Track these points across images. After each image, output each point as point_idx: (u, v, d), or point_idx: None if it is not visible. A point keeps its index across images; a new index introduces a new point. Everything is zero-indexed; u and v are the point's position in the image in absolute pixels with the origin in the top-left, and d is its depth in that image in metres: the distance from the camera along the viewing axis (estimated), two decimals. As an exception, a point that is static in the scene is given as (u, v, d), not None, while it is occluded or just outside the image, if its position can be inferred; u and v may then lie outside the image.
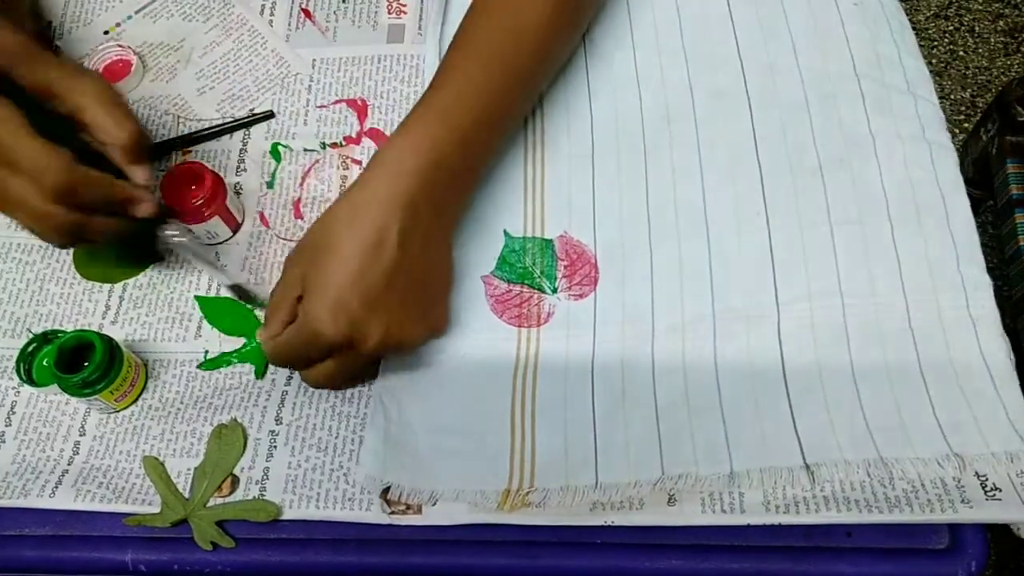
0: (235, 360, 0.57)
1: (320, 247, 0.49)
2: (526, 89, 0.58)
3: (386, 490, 0.51)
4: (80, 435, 0.55)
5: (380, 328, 0.49)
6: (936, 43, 1.53)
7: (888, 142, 0.60)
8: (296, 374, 0.55)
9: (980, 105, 1.44)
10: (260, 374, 0.56)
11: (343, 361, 0.51)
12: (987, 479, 0.49)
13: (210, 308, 0.59)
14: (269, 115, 0.67)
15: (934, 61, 1.51)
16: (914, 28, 0.67)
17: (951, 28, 1.55)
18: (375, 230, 0.49)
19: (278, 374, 0.56)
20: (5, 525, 0.52)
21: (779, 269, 0.57)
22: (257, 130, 0.67)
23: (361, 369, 0.53)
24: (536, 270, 0.58)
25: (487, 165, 0.58)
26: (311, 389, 0.55)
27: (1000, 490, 0.48)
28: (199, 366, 0.57)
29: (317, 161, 0.65)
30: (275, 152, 0.66)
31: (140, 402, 0.56)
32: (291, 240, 0.61)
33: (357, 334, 0.48)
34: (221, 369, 0.56)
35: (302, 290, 0.49)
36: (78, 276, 0.61)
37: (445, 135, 0.51)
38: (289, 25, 0.72)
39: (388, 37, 0.70)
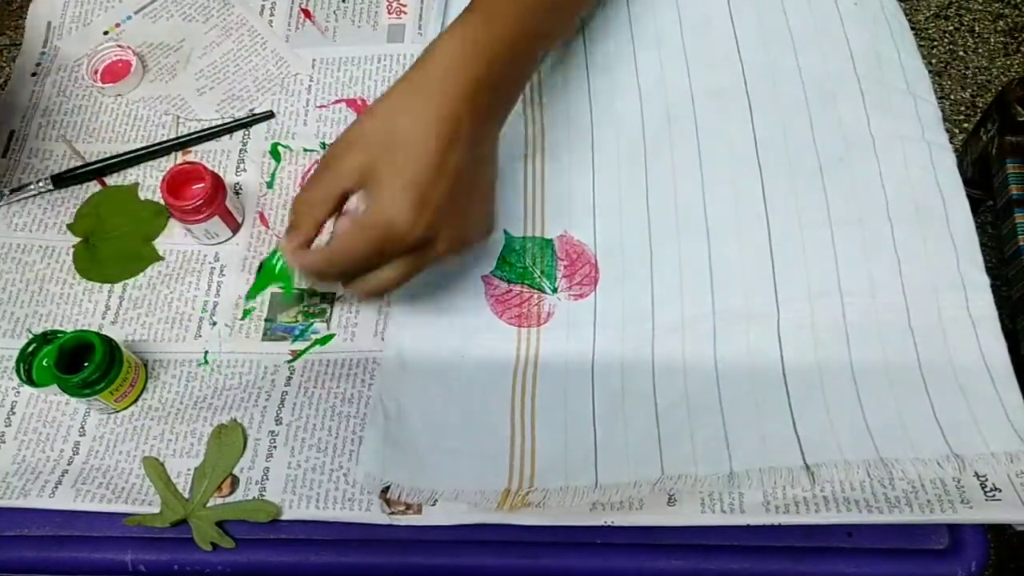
0: (270, 284, 0.56)
1: (391, 137, 0.46)
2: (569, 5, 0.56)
3: (386, 490, 0.51)
4: (80, 435, 0.55)
5: (456, 226, 0.47)
6: (936, 43, 1.53)
7: (888, 142, 0.60)
8: (295, 373, 0.56)
9: (980, 105, 1.44)
10: (289, 292, 0.54)
11: (410, 265, 0.47)
12: (987, 479, 0.49)
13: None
14: (269, 115, 0.67)
15: (934, 61, 1.51)
16: (914, 28, 0.67)
17: (951, 28, 1.55)
18: (450, 122, 0.46)
19: (278, 374, 0.56)
20: (5, 525, 0.52)
21: (779, 269, 0.57)
22: (257, 130, 0.67)
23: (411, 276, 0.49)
24: (536, 270, 0.58)
25: (527, 79, 0.55)
26: (311, 389, 0.55)
27: (1000, 490, 0.48)
28: (246, 296, 0.57)
29: (317, 161, 0.65)
30: (275, 152, 0.66)
31: (140, 402, 0.56)
32: (291, 240, 0.61)
33: (434, 232, 0.46)
34: (220, 369, 0.56)
35: (361, 183, 0.46)
36: (78, 276, 0.61)
37: (494, 38, 0.48)
38: (289, 25, 0.72)
39: (388, 37, 0.71)
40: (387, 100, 0.47)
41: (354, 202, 0.48)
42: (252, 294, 0.59)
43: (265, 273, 0.59)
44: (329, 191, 0.47)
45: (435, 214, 0.46)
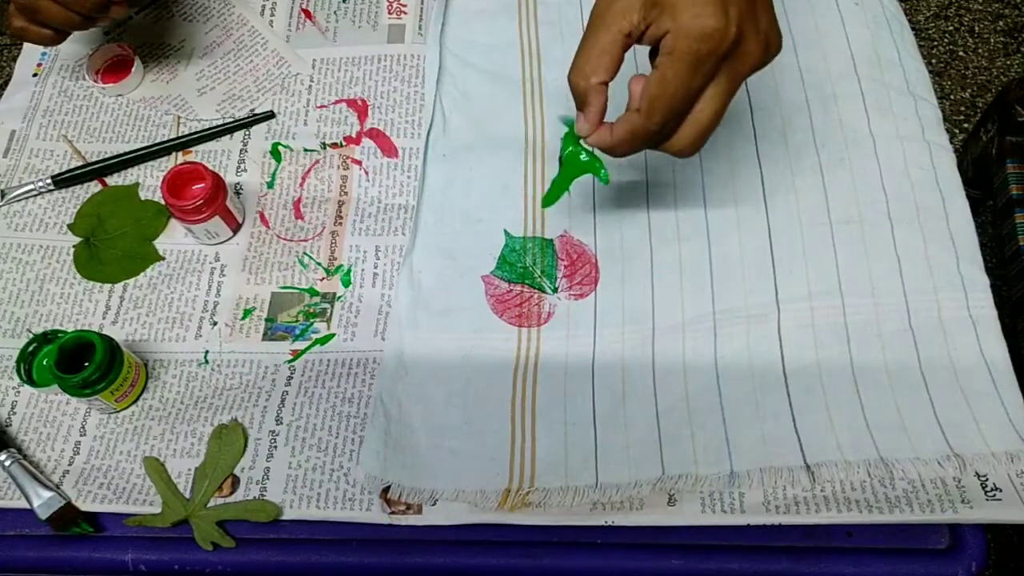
0: (580, 175, 0.50)
1: None
2: None
3: (386, 490, 0.51)
4: (80, 435, 0.55)
5: (760, 24, 0.41)
6: (936, 43, 1.53)
7: (888, 142, 0.60)
8: (296, 373, 0.56)
9: (980, 105, 1.44)
10: (607, 179, 0.49)
11: (729, 80, 0.42)
12: (987, 479, 0.49)
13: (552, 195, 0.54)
14: (269, 115, 0.67)
15: (934, 61, 1.51)
16: (914, 28, 0.67)
17: (951, 28, 1.55)
18: None
19: (278, 373, 0.56)
20: (5, 525, 0.52)
21: (779, 269, 0.57)
22: (257, 130, 0.67)
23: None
24: (536, 270, 0.58)
25: None
26: (311, 389, 0.55)
27: (1000, 490, 0.48)
28: (543, 202, 0.52)
29: (317, 161, 0.65)
30: (275, 152, 0.66)
31: (140, 402, 0.56)
32: (291, 240, 0.61)
33: (743, 31, 0.41)
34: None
35: (647, 15, 0.41)
36: (78, 276, 0.61)
37: None
38: (289, 25, 0.72)
39: (388, 37, 0.71)
40: None
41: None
42: (552, 197, 0.53)
43: (570, 166, 0.51)
44: (610, 40, 0.42)
45: (739, 10, 0.41)
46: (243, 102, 0.68)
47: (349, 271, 0.60)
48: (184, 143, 0.66)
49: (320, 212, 0.62)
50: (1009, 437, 0.49)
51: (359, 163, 0.64)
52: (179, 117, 0.68)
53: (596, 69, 0.43)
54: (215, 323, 0.58)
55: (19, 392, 0.56)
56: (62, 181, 0.64)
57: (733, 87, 0.44)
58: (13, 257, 0.62)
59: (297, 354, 0.56)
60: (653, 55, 0.44)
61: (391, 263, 0.60)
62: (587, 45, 0.43)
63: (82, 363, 0.52)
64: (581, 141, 0.47)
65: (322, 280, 0.59)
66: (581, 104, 0.45)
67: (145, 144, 0.66)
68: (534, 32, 0.69)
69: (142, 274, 0.61)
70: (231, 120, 0.67)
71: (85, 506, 0.51)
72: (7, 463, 0.52)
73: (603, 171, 0.50)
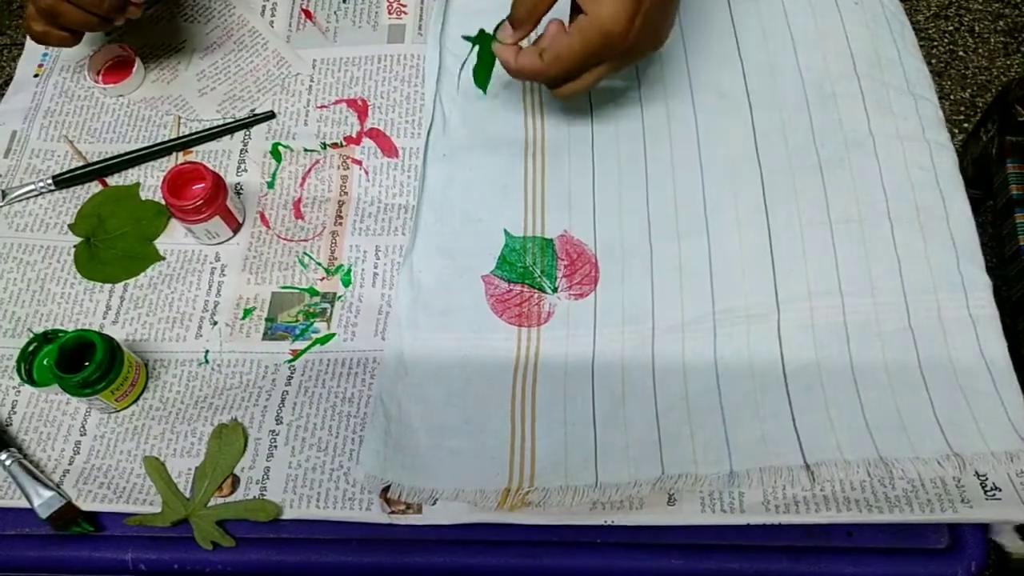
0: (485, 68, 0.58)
1: None
2: None
3: (386, 489, 0.51)
4: (81, 435, 0.55)
5: (657, 30, 0.51)
6: (936, 43, 1.53)
7: (888, 141, 0.60)
8: (296, 373, 0.56)
9: (980, 105, 1.44)
10: (485, 88, 0.59)
11: (613, 67, 0.53)
12: (987, 479, 0.49)
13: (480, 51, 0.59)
14: (270, 115, 0.67)
15: (934, 61, 1.51)
16: (914, 28, 0.67)
17: (951, 28, 1.55)
18: None
19: (278, 373, 0.56)
20: (5, 524, 0.52)
21: (779, 268, 0.57)
22: (258, 130, 0.67)
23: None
24: (536, 269, 0.58)
25: None
26: (311, 389, 0.55)
27: (1000, 490, 0.48)
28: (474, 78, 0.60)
29: (317, 161, 0.65)
30: (275, 152, 0.66)
31: (141, 402, 0.56)
32: (291, 240, 0.62)
33: (642, 37, 0.50)
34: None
35: None
36: (79, 276, 0.61)
37: None
38: (290, 26, 0.72)
39: (388, 37, 0.71)
40: None
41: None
42: (478, 78, 0.60)
43: (485, 55, 0.58)
44: None
45: (645, 21, 0.50)
46: (243, 102, 0.68)
47: (349, 271, 0.60)
48: (184, 143, 0.66)
49: (320, 212, 0.62)
50: (1009, 437, 0.49)
51: (359, 163, 0.64)
52: (180, 117, 0.68)
53: (537, 6, 0.52)
54: (215, 323, 0.58)
55: (19, 392, 0.56)
56: (63, 181, 0.64)
57: (614, 71, 0.55)
58: (14, 257, 0.62)
59: (297, 354, 0.56)
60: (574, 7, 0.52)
61: (391, 263, 0.60)
62: None
63: (82, 363, 0.52)
64: (495, 44, 0.56)
65: (322, 280, 0.60)
66: (516, 20, 0.54)
67: (146, 144, 0.66)
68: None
69: (142, 274, 0.61)
70: (231, 120, 0.67)
71: (85, 506, 0.51)
72: (7, 462, 0.52)
73: (485, 80, 0.60)
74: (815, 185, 0.59)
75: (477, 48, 0.58)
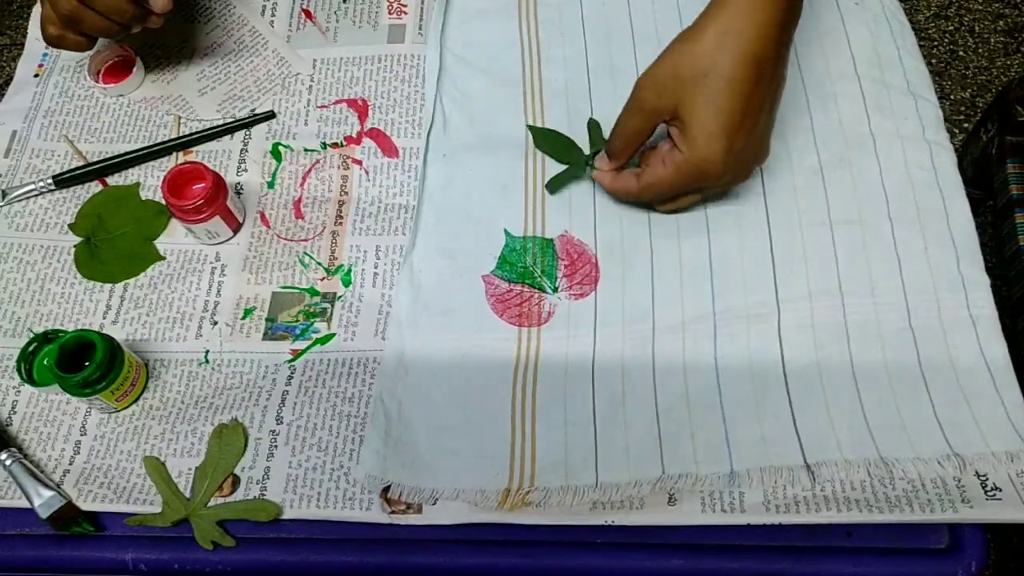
0: (568, 182, 0.61)
1: (705, 76, 0.49)
2: None
3: (386, 489, 0.51)
4: (81, 435, 0.55)
5: (749, 162, 0.53)
6: (936, 43, 1.53)
7: (888, 142, 0.61)
8: (296, 373, 0.56)
9: (980, 105, 1.44)
10: (556, 192, 0.61)
11: (706, 194, 0.56)
12: (987, 479, 0.49)
13: (540, 135, 0.63)
14: (270, 115, 0.67)
15: (934, 61, 1.51)
16: (914, 28, 0.67)
17: (951, 28, 1.55)
18: (761, 61, 0.49)
19: (278, 373, 0.56)
20: (6, 524, 0.52)
21: (779, 268, 0.57)
22: (258, 130, 0.67)
23: None
24: (537, 269, 0.58)
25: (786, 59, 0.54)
26: (311, 388, 0.55)
27: (1000, 490, 0.48)
28: (549, 186, 0.61)
29: (318, 161, 0.65)
30: (276, 152, 0.66)
31: (141, 402, 0.56)
32: (291, 240, 0.62)
33: (734, 172, 0.52)
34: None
35: (673, 120, 0.51)
36: (79, 276, 0.61)
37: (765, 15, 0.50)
38: (290, 26, 0.72)
39: (388, 37, 0.71)
40: (697, 39, 0.50)
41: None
42: (555, 186, 0.61)
43: (577, 171, 0.61)
44: (645, 126, 0.53)
45: (738, 158, 0.51)
46: (244, 102, 0.68)
47: (349, 271, 0.60)
48: (185, 143, 0.66)
49: (320, 212, 0.62)
50: (1009, 437, 0.49)
51: (359, 163, 0.64)
52: (180, 117, 0.68)
53: (633, 140, 0.54)
54: (215, 323, 0.58)
55: (19, 392, 0.56)
56: (63, 181, 0.64)
57: (705, 197, 0.58)
58: (14, 257, 0.62)
59: (297, 354, 0.56)
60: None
61: (391, 263, 0.60)
62: (630, 119, 0.54)
63: (82, 363, 0.52)
64: (591, 169, 0.59)
65: (322, 280, 0.60)
66: (613, 152, 0.56)
67: (146, 144, 0.66)
68: (534, 32, 0.69)
69: (143, 274, 0.61)
70: (232, 120, 0.67)
71: (86, 505, 0.51)
72: (8, 462, 0.52)
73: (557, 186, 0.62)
74: (815, 185, 0.59)
75: (568, 165, 0.62)
